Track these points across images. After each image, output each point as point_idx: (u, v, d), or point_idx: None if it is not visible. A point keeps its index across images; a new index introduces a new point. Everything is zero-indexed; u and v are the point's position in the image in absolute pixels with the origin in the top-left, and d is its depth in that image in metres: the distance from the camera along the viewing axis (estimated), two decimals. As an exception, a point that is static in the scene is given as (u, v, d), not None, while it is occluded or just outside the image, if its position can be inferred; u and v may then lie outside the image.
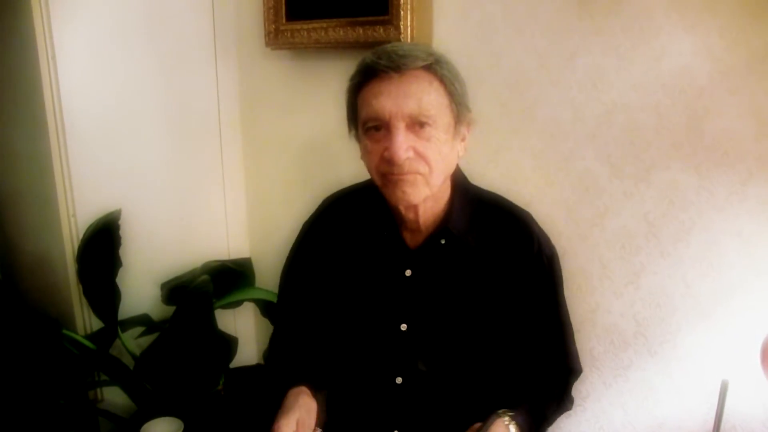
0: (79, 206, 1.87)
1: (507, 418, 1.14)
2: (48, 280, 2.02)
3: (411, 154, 1.10)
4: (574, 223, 1.51)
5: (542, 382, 1.26)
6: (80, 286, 1.85)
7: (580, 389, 1.56)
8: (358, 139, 1.21)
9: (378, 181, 1.17)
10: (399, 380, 1.23)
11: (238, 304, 1.96)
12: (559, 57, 1.47)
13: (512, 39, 1.53)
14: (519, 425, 1.15)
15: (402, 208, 1.20)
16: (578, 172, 1.49)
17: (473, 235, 1.23)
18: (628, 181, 1.43)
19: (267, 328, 1.97)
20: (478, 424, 1.13)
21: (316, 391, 1.23)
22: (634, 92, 1.39)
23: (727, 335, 1.36)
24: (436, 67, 1.12)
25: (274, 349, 1.43)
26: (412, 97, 1.09)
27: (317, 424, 1.18)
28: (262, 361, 2.13)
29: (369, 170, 1.19)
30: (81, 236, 1.85)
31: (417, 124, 1.10)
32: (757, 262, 1.30)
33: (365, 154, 1.17)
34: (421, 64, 1.10)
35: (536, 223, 1.26)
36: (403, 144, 1.09)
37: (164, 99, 1.97)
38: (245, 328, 2.16)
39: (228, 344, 1.73)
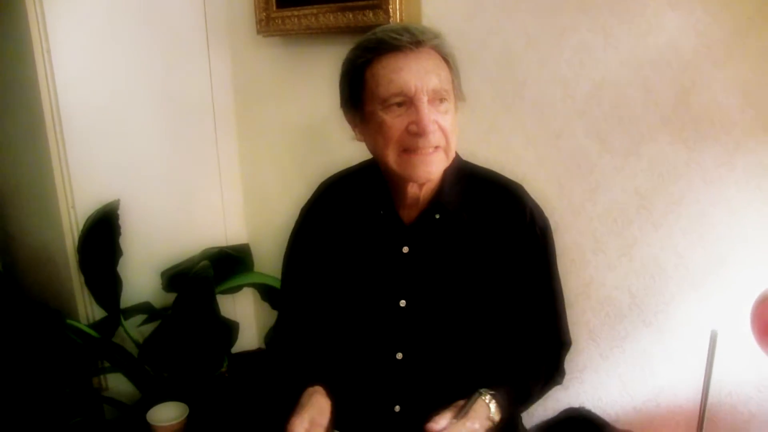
0: (77, 198, 1.89)
1: (488, 397, 1.16)
2: (49, 272, 2.04)
3: (435, 127, 1.14)
4: (567, 199, 1.54)
5: (533, 355, 1.28)
6: (81, 277, 1.88)
7: (577, 362, 1.59)
8: (357, 118, 1.22)
9: (393, 158, 1.18)
10: (399, 356, 1.26)
11: (237, 289, 1.99)
12: (548, 35, 1.50)
13: (500, 18, 1.56)
14: (500, 404, 1.16)
15: (412, 184, 1.22)
16: (569, 148, 1.52)
17: (466, 208, 1.26)
18: (618, 155, 1.46)
19: (267, 312, 2.01)
20: (461, 402, 1.15)
21: (327, 390, 1.24)
22: (622, 68, 1.42)
23: (718, 303, 1.39)
24: (442, 46, 1.17)
25: (279, 338, 1.45)
26: (432, 72, 1.13)
27: (331, 424, 1.20)
28: (263, 345, 2.16)
29: (381, 147, 1.19)
30: (81, 227, 1.87)
31: (437, 99, 1.14)
32: (746, 230, 1.34)
33: (381, 130, 1.17)
34: (434, 41, 1.15)
35: (528, 195, 1.29)
36: (430, 117, 1.12)
37: (159, 90, 1.99)
38: (245, 314, 2.19)
39: (229, 329, 1.77)
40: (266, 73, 2.00)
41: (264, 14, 1.89)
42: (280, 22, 1.88)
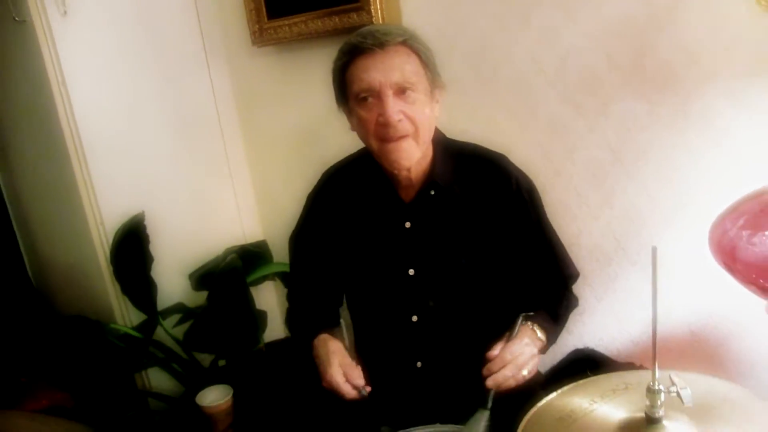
0: (105, 214, 2.05)
1: (530, 322, 1.35)
2: (84, 287, 2.21)
3: (401, 116, 1.31)
4: (549, 161, 1.72)
5: (548, 290, 1.47)
6: (117, 286, 2.04)
7: (582, 296, 1.75)
8: (347, 113, 1.41)
9: (375, 147, 1.37)
10: (415, 318, 1.44)
11: (261, 280, 2.17)
12: (515, 19, 1.68)
13: (472, 9, 1.73)
14: (542, 325, 1.36)
15: (396, 171, 1.39)
16: (546, 116, 1.70)
17: (458, 183, 1.44)
18: (589, 117, 1.64)
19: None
20: (498, 345, 1.31)
21: (333, 331, 1.44)
22: (584, 40, 1.60)
23: (688, 237, 1.56)
24: (411, 42, 1.34)
25: (292, 303, 1.66)
26: (395, 68, 1.30)
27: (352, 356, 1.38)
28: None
29: (365, 138, 1.39)
30: (110, 241, 2.04)
31: (402, 91, 1.31)
32: (704, 169, 1.52)
33: (360, 124, 1.37)
34: (399, 39, 1.32)
35: (512, 163, 1.47)
36: (394, 107, 1.30)
37: (167, 108, 2.16)
38: (269, 306, 2.35)
39: (261, 314, 1.94)
40: (264, 81, 2.18)
41: (257, 26, 2.06)
42: (272, 32, 2.05)
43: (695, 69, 1.48)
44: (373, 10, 1.84)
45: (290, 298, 1.68)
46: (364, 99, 1.32)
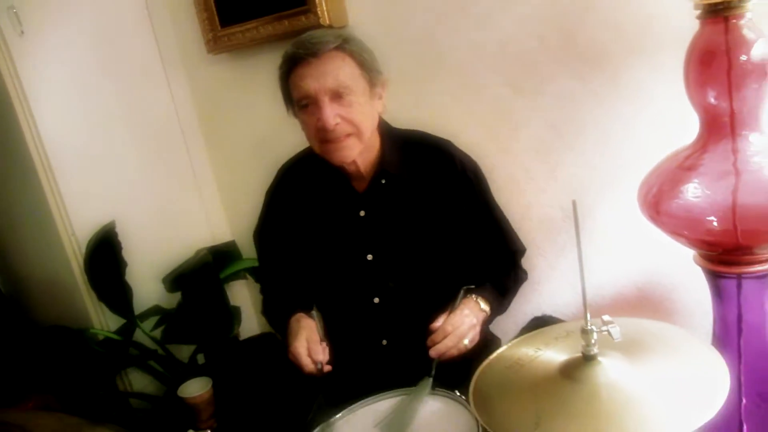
0: (76, 226, 2.12)
1: (474, 295, 1.45)
2: (60, 297, 2.27)
3: (339, 120, 1.40)
4: (495, 141, 1.83)
5: (497, 264, 1.58)
6: (92, 294, 2.11)
7: (533, 276, 1.84)
8: (295, 115, 1.51)
9: (317, 148, 1.48)
10: (377, 300, 1.54)
11: (232, 278, 2.25)
12: (454, 9, 1.78)
13: (414, 3, 1.84)
14: (485, 298, 1.46)
15: (343, 166, 1.50)
16: (489, 98, 1.81)
17: (407, 170, 1.55)
18: (529, 96, 1.76)
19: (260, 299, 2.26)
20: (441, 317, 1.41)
21: (308, 313, 1.52)
22: (518, 25, 1.71)
23: (626, 199, 1.65)
24: (345, 46, 1.43)
25: (265, 295, 1.75)
26: (329, 75, 1.39)
27: (321, 338, 1.47)
28: (264, 330, 2.41)
29: (309, 139, 1.50)
30: (84, 251, 2.10)
31: (338, 95, 1.40)
32: (635, 135, 1.64)
33: (303, 127, 1.48)
34: (332, 46, 1.41)
35: (456, 147, 1.58)
36: (330, 113, 1.39)
37: (129, 118, 2.23)
38: (242, 304, 2.43)
39: (234, 310, 2.02)
40: (222, 87, 2.26)
41: (211, 35, 2.14)
42: (226, 39, 2.13)
43: (621, 44, 1.60)
44: (319, 12, 1.92)
45: (264, 290, 1.77)
46: (305, 105, 1.43)
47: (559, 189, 1.80)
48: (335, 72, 1.40)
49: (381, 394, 1.36)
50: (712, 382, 0.97)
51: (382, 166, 1.53)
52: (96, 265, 2.05)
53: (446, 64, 1.84)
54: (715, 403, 0.91)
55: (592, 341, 1.05)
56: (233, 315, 1.93)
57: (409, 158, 1.55)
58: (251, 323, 2.45)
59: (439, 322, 1.39)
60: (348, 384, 1.44)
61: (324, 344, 1.43)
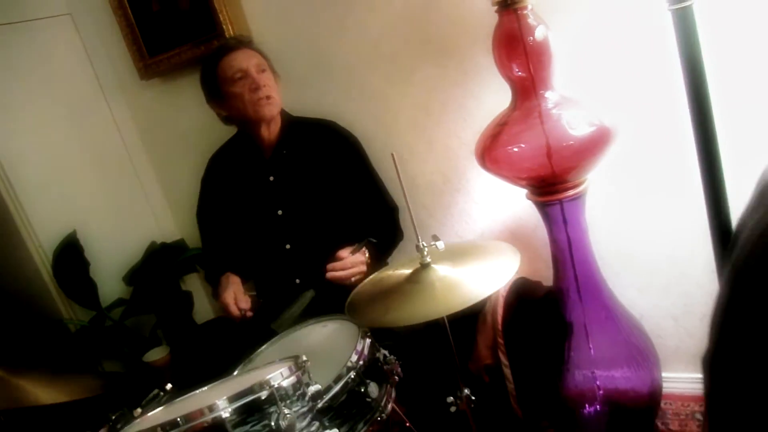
0: (43, 239, 2.47)
1: (365, 248, 1.84)
2: (33, 303, 2.59)
3: (265, 82, 1.89)
4: (375, 122, 2.22)
5: (378, 220, 1.98)
6: (61, 294, 2.45)
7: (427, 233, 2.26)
8: (219, 104, 1.97)
9: (250, 110, 1.92)
10: (288, 246, 1.94)
11: (185, 271, 2.61)
12: (336, 22, 2.18)
13: (304, 21, 2.24)
14: (371, 252, 1.86)
15: (264, 128, 1.95)
16: (369, 90, 2.21)
17: (303, 144, 1.98)
18: (401, 85, 2.16)
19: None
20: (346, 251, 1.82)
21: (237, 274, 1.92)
22: (386, 29, 2.11)
23: None
24: (255, 47, 1.96)
25: (206, 263, 2.18)
26: (253, 56, 1.93)
27: (248, 290, 1.86)
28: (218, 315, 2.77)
29: (242, 107, 1.93)
30: (51, 258, 2.45)
31: (261, 70, 1.91)
32: (486, 108, 2.00)
33: (236, 98, 1.92)
34: (247, 43, 1.97)
35: (340, 126, 2.02)
36: (260, 78, 1.89)
37: (79, 142, 2.63)
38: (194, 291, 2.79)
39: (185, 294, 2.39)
40: (157, 106, 2.64)
41: (141, 63, 2.52)
42: (155, 66, 2.51)
43: (464, 36, 2.00)
44: (227, 35, 2.30)
45: (204, 259, 2.18)
46: (239, 78, 1.89)
47: (437, 159, 2.19)
48: (255, 56, 1.95)
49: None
50: (508, 267, 1.38)
51: (283, 139, 1.98)
52: (62, 268, 2.40)
53: (335, 68, 2.24)
54: (505, 279, 1.32)
55: (425, 253, 1.44)
56: (186, 295, 2.30)
57: (304, 134, 2.01)
58: (207, 311, 2.81)
59: (343, 254, 1.78)
60: (271, 316, 1.83)
61: (247, 296, 1.81)
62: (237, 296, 1.80)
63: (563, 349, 1.85)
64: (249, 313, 1.78)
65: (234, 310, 1.78)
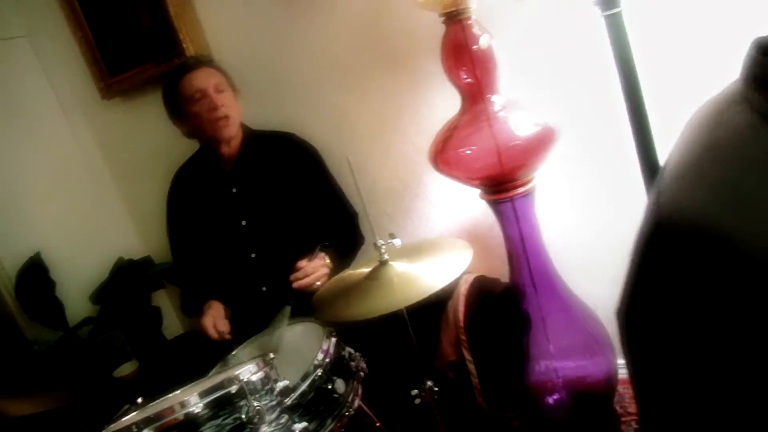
0: (6, 262, 2.47)
1: (324, 252, 1.91)
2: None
3: (222, 102, 1.94)
4: (334, 132, 2.28)
5: (338, 227, 2.05)
6: (25, 317, 2.45)
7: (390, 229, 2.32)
8: (180, 121, 2.01)
9: (208, 129, 1.97)
10: (253, 255, 1.99)
11: (152, 287, 2.63)
12: (291, 40, 2.25)
13: (260, 41, 2.31)
14: (331, 256, 1.91)
15: (224, 145, 2.00)
16: (326, 101, 2.28)
17: (263, 156, 2.04)
18: (357, 93, 2.23)
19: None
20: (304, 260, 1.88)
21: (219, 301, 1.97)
22: (341, 44, 2.19)
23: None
24: (215, 64, 2.01)
25: (181, 288, 2.19)
26: (211, 76, 1.97)
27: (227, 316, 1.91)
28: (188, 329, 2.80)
29: (200, 127, 1.98)
30: (13, 281, 2.45)
31: (219, 90, 1.95)
32: (435, 114, 2.07)
33: (195, 117, 1.97)
34: (207, 62, 2.00)
35: (299, 137, 2.09)
36: (218, 98, 1.94)
37: (40, 164, 2.64)
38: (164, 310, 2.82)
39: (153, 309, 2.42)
40: (119, 125, 2.68)
41: (102, 83, 2.55)
42: (117, 86, 2.54)
43: (416, 47, 2.09)
44: (188, 53, 2.36)
45: (179, 283, 2.20)
46: (198, 99, 1.94)
47: (395, 165, 2.27)
48: (214, 75, 1.99)
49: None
50: (460, 261, 1.46)
51: (244, 152, 2.05)
52: (26, 290, 2.41)
53: (292, 83, 2.31)
54: (459, 271, 1.40)
55: (383, 251, 1.51)
56: (155, 311, 2.33)
57: (264, 147, 2.07)
58: (176, 326, 2.84)
59: (303, 264, 1.84)
60: (240, 325, 1.87)
61: (226, 320, 1.87)
62: (216, 321, 1.85)
63: (523, 342, 1.93)
64: (227, 336, 1.83)
65: (212, 332, 1.83)
